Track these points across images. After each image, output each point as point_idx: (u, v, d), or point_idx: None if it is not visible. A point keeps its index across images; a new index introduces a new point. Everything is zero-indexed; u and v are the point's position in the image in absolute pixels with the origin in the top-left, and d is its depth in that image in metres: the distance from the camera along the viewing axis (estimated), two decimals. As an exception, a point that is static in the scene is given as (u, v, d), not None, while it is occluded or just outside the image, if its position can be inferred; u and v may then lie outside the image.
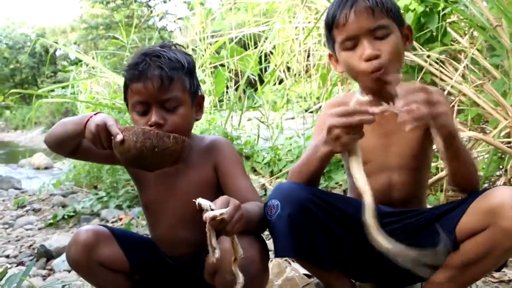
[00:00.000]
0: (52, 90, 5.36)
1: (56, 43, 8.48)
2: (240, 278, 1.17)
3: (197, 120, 1.56)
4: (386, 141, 1.48)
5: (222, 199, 1.16)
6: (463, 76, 2.79)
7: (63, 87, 5.80)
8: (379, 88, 1.33)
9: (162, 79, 1.38)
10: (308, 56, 4.41)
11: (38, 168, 8.32)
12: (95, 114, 1.35)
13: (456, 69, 2.79)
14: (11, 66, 29.59)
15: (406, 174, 1.48)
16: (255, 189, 1.56)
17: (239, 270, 1.17)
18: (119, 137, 1.26)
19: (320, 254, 1.38)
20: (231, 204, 1.15)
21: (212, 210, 1.11)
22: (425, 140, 1.48)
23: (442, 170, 2.64)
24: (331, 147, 1.27)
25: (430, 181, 2.67)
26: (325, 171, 3.33)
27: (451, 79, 2.68)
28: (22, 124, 22.52)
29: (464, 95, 2.63)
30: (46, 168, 8.32)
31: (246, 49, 4.72)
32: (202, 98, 1.56)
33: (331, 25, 1.43)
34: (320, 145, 1.31)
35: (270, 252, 1.43)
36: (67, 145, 1.49)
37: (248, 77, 4.37)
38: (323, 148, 1.30)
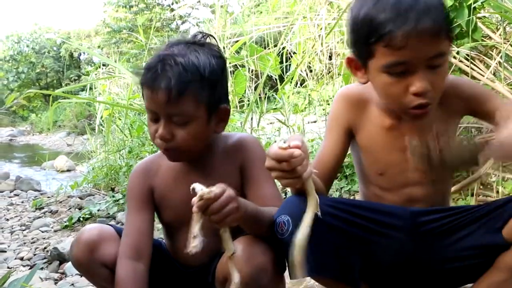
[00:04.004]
0: (72, 92, 5.38)
1: (81, 45, 8.57)
2: (236, 278, 1.05)
3: (216, 133, 1.38)
4: (403, 156, 1.30)
5: (218, 186, 1.05)
6: (494, 73, 2.65)
7: (82, 89, 5.83)
8: (411, 120, 1.24)
9: (169, 94, 1.22)
10: (330, 57, 4.29)
11: (60, 171, 8.37)
12: None
13: (488, 66, 2.65)
14: (37, 71, 30.05)
15: (427, 188, 1.33)
16: (281, 196, 1.39)
17: (236, 269, 1.07)
18: None
19: (350, 269, 1.23)
20: (226, 192, 1.05)
21: None
22: None
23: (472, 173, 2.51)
24: None
25: (458, 185, 2.53)
26: (347, 174, 3.22)
27: (483, 76, 2.54)
28: (47, 128, 22.84)
29: (497, 93, 2.49)
30: (68, 170, 8.35)
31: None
32: (226, 111, 1.36)
33: (375, 38, 1.12)
34: None
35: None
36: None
37: (269, 78, 4.27)
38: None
